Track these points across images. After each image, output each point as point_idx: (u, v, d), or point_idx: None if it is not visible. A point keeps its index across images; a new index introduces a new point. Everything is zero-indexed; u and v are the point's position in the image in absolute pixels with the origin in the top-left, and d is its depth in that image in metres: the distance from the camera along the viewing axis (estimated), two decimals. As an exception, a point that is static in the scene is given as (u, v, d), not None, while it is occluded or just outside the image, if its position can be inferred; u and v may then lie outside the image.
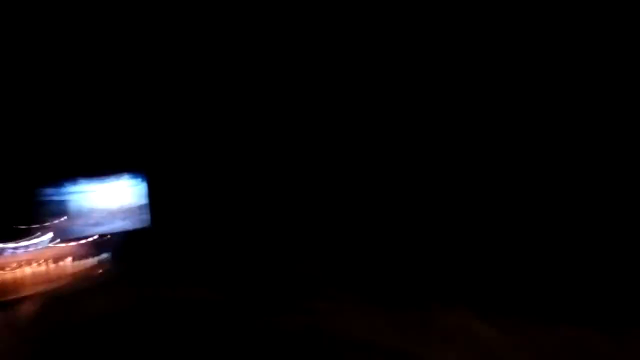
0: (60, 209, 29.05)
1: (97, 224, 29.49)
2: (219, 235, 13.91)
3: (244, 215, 12.66)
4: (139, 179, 26.67)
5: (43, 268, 29.55)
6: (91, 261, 33.34)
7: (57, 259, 31.19)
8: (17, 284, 22.81)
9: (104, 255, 34.13)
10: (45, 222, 34.15)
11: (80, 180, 26.62)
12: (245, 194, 12.87)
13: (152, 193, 21.47)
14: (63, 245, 33.29)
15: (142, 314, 6.27)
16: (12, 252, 31.92)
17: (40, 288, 22.74)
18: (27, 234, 33.48)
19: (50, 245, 32.36)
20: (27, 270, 28.50)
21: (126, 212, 29.43)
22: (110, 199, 27.84)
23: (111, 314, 8.60)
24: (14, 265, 29.86)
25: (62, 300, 16.92)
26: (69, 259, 31.53)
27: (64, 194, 27.58)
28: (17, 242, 32.09)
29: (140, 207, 28.52)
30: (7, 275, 27.97)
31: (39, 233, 33.46)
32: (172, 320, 5.34)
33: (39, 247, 31.87)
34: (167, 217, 21.58)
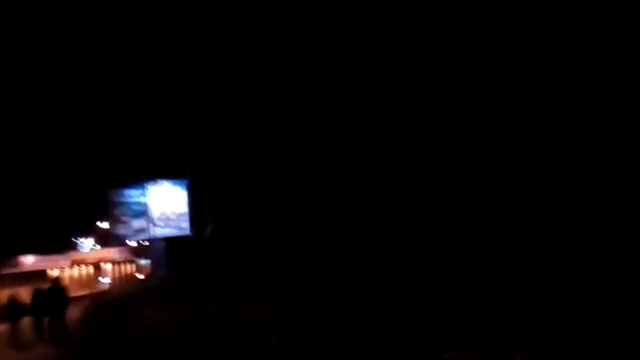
0: (106, 212, 29.40)
1: (140, 230, 29.77)
2: (261, 250, 13.55)
3: (291, 230, 12.32)
4: (183, 186, 26.79)
5: (85, 270, 30.07)
6: (130, 267, 33.79)
7: (98, 262, 31.74)
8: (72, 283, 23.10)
9: (144, 262, 34.54)
10: (92, 225, 34.90)
11: (128, 185, 26.91)
12: (295, 206, 12.53)
13: (196, 201, 21.42)
14: (104, 249, 33.90)
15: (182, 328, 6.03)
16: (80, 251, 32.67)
17: (86, 291, 23.01)
18: (73, 236, 34.28)
19: (94, 248, 32.98)
20: (75, 272, 29.07)
21: (170, 219, 29.62)
22: (155, 205, 28.06)
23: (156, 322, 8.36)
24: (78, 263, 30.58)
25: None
26: (109, 264, 32.03)
27: (114, 197, 27.89)
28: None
29: (183, 215, 28.62)
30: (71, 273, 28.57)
31: (84, 235, 34.20)
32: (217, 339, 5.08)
33: (85, 249, 32.55)
34: (214, 226, 21.34)
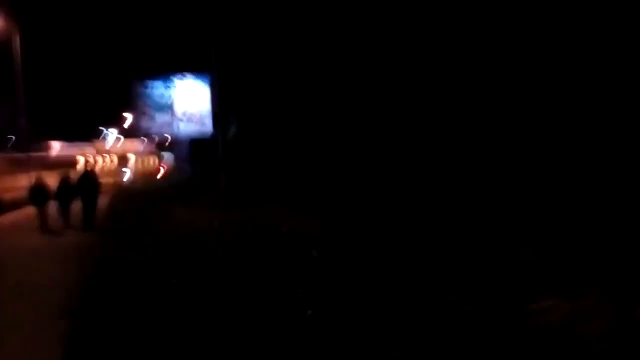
0: (131, 103, 29.08)
1: (163, 124, 29.61)
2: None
3: (321, 133, 11.74)
4: (207, 82, 26.02)
5: (109, 160, 30.52)
6: (154, 160, 34.21)
7: (122, 153, 32.12)
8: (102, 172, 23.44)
9: (167, 156, 34.87)
10: (118, 116, 34.92)
11: (153, 77, 26.21)
12: (325, 105, 11.81)
13: (220, 99, 20.54)
14: (128, 140, 34.15)
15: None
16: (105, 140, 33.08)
17: (110, 180, 23.39)
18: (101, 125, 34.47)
19: (118, 138, 33.26)
20: (99, 160, 29.53)
21: (193, 115, 29.26)
22: (179, 100, 27.56)
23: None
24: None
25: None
26: (132, 155, 32.38)
27: (138, 88, 27.37)
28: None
29: (206, 112, 28.16)
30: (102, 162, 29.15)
31: (110, 126, 34.34)
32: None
33: (110, 140, 32.83)
34: (239, 126, 20.59)
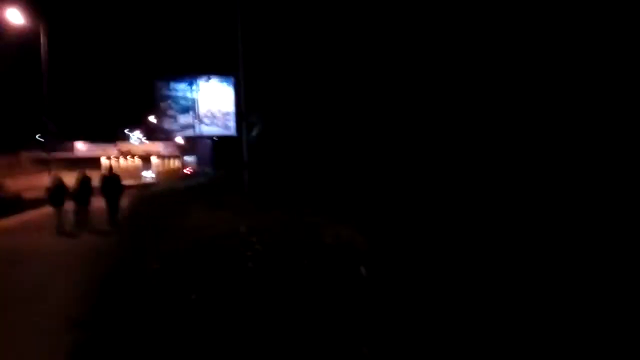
0: (154, 105, 28.87)
1: (186, 126, 29.35)
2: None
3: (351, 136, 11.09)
4: (231, 83, 25.65)
5: (132, 161, 30.39)
6: (176, 162, 34.00)
7: (145, 155, 31.97)
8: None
9: (190, 158, 34.62)
10: (141, 117, 34.90)
11: (177, 79, 25.97)
12: (355, 107, 11.22)
13: (245, 99, 20.19)
14: (151, 142, 34.01)
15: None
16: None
17: (133, 181, 23.15)
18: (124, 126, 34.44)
19: (141, 140, 33.14)
20: (122, 162, 29.41)
21: (216, 116, 28.91)
22: (202, 101, 27.24)
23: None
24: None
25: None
26: (155, 157, 32.21)
27: (161, 90, 27.14)
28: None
29: (229, 113, 27.78)
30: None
31: (133, 128, 34.30)
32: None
33: (133, 141, 32.75)
34: (263, 127, 20.16)
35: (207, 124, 30.13)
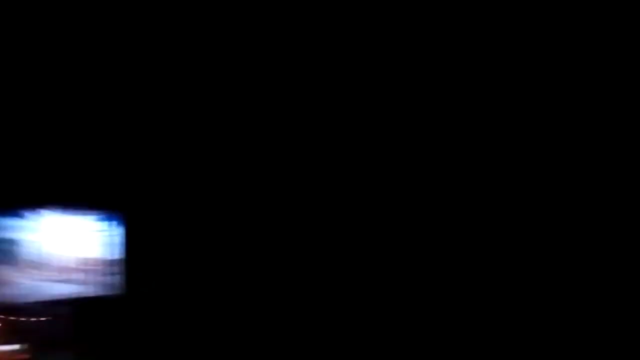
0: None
1: (38, 285, 14.48)
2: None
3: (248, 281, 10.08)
4: (113, 222, 17.49)
5: None
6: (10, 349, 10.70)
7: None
8: None
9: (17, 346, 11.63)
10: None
11: (29, 213, 16.99)
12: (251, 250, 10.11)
13: (130, 243, 13.78)
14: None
15: None
16: None
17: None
18: None
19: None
20: None
21: (88, 269, 14.97)
22: (67, 246, 15.79)
23: None
24: None
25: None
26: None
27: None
28: None
29: (109, 263, 16.98)
30: None
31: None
32: None
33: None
34: (149, 279, 13.62)
35: (54, 282, 24.02)
